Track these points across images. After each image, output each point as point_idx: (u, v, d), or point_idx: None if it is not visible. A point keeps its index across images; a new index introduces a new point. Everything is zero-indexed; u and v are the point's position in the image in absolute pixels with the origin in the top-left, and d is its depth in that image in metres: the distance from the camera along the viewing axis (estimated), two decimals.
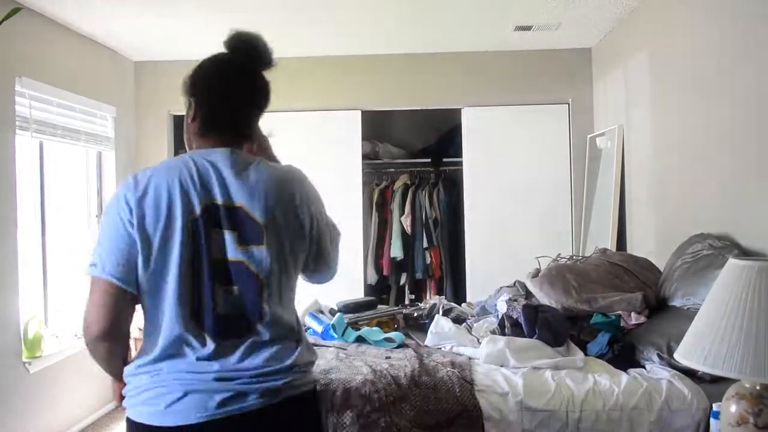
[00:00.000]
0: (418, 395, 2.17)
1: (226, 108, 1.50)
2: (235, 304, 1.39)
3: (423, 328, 2.95)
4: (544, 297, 2.83)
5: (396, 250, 5.07)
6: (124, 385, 1.43)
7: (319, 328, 2.93)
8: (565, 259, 3.31)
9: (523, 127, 4.84)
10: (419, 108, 5.03)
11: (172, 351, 1.36)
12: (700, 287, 2.48)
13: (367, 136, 5.05)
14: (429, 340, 2.73)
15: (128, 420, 1.40)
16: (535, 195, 4.80)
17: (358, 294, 4.67)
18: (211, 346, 1.36)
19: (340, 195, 4.88)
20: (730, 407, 1.57)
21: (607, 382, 2.20)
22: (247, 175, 1.43)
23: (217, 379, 1.35)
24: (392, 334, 2.79)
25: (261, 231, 1.40)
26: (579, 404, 2.13)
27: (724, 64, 2.79)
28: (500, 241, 4.76)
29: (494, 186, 4.82)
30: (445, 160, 5.19)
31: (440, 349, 2.65)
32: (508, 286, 3.37)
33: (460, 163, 4.92)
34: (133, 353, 1.46)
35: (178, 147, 5.11)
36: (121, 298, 1.35)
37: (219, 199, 1.39)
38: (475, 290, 4.53)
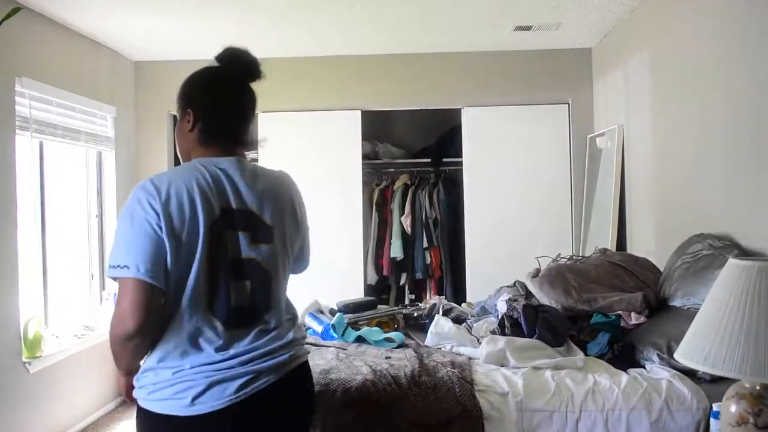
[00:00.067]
0: (418, 395, 2.17)
1: (228, 118, 1.63)
2: (247, 296, 1.55)
3: (423, 328, 2.95)
4: (544, 297, 2.83)
5: (396, 250, 5.07)
6: (131, 379, 1.55)
7: (319, 328, 2.92)
8: (565, 259, 3.31)
9: (523, 127, 4.84)
10: (419, 108, 5.03)
11: (191, 344, 1.49)
12: (700, 287, 2.48)
13: (367, 136, 5.05)
14: (429, 340, 2.73)
15: (147, 412, 1.50)
16: (535, 195, 4.80)
17: (358, 294, 4.68)
18: (224, 336, 1.50)
19: (340, 195, 4.89)
20: (730, 407, 1.57)
21: (607, 382, 2.20)
22: (255, 181, 1.60)
23: (233, 366, 1.48)
24: (392, 334, 2.79)
25: (270, 231, 1.58)
26: (579, 404, 2.13)
27: (723, 64, 2.79)
28: (500, 241, 4.76)
29: (494, 186, 4.83)
30: (445, 160, 5.19)
31: (440, 349, 2.65)
32: (508, 286, 3.37)
33: (460, 163, 4.92)
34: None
35: None
36: (155, 296, 1.45)
37: (233, 204, 1.54)
38: (475, 290, 4.53)
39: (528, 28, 4.26)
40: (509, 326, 2.68)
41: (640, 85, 3.82)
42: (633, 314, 2.66)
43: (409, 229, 5.07)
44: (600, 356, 2.49)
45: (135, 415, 1.58)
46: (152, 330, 1.48)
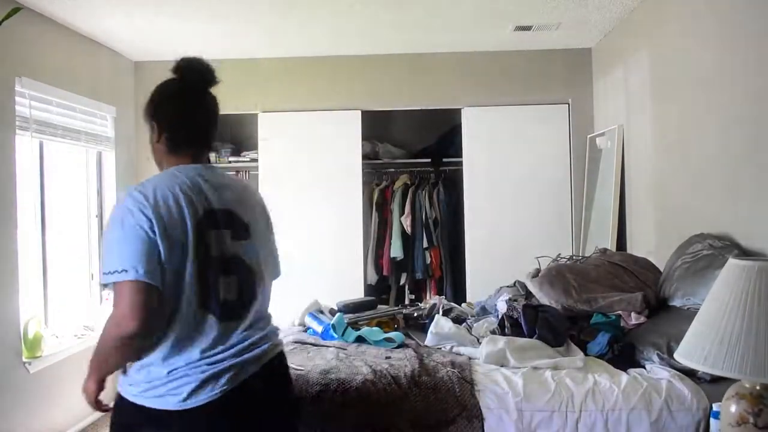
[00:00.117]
0: (418, 395, 2.17)
1: (190, 126, 1.72)
2: (235, 291, 1.63)
3: (423, 328, 2.95)
4: (544, 297, 2.83)
5: (396, 250, 5.07)
6: (102, 386, 1.62)
7: (319, 328, 2.92)
8: (565, 259, 3.31)
9: (523, 127, 4.84)
10: (419, 108, 5.02)
11: (186, 341, 1.55)
12: (700, 287, 2.48)
13: (367, 136, 5.04)
14: (429, 340, 2.73)
15: (139, 407, 1.55)
16: (535, 195, 4.80)
17: (358, 294, 4.67)
18: (218, 329, 1.58)
19: (340, 195, 4.89)
20: (730, 407, 1.57)
21: (607, 382, 2.20)
22: (227, 184, 1.72)
23: (226, 359, 1.57)
24: (392, 334, 2.79)
25: (247, 228, 1.69)
26: (579, 404, 2.13)
27: (723, 64, 2.79)
28: (500, 241, 4.76)
29: (494, 186, 4.82)
30: (445, 160, 5.19)
31: (440, 349, 2.65)
32: (508, 286, 3.37)
33: (460, 163, 4.91)
34: None
35: None
36: (154, 297, 1.50)
37: (214, 204, 1.63)
38: (475, 290, 4.53)
39: (528, 28, 4.26)
40: (509, 326, 2.68)
41: (640, 85, 3.82)
42: (633, 314, 2.67)
43: (409, 229, 5.07)
44: (600, 356, 2.49)
45: (114, 410, 1.64)
46: (153, 330, 1.53)
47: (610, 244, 4.00)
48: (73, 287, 4.25)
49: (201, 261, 1.56)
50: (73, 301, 4.21)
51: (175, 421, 1.53)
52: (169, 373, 1.54)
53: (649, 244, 3.69)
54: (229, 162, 5.30)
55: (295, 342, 2.77)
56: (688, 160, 3.19)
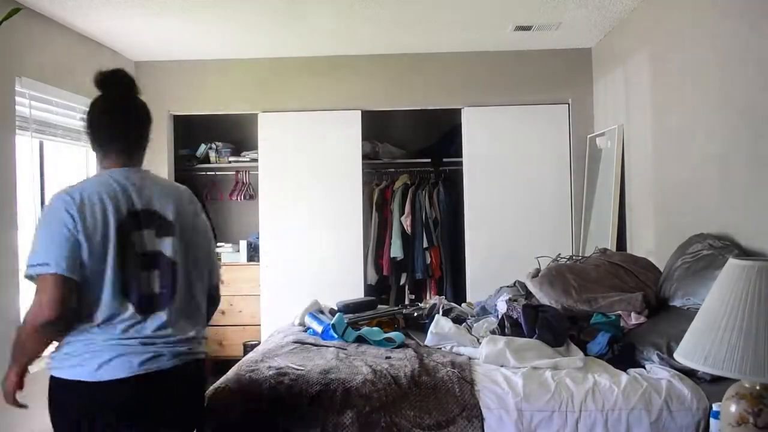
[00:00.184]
0: (418, 395, 2.17)
1: (117, 134, 1.88)
2: (155, 285, 1.79)
3: (423, 328, 2.95)
4: (544, 297, 2.83)
5: (396, 250, 5.07)
6: (23, 381, 1.77)
7: (319, 328, 2.92)
8: (565, 259, 3.31)
9: (523, 127, 4.84)
10: (419, 108, 5.03)
11: (106, 323, 1.71)
12: (700, 287, 2.48)
13: (367, 136, 5.05)
14: (429, 340, 2.73)
15: (57, 379, 1.73)
16: (535, 195, 4.80)
17: (358, 294, 4.68)
18: (135, 317, 1.74)
19: (340, 195, 4.89)
20: (730, 407, 1.57)
21: (607, 382, 2.20)
22: (156, 186, 1.88)
23: (139, 344, 1.73)
24: (392, 334, 2.79)
25: (172, 226, 1.84)
26: (579, 404, 2.13)
27: (723, 64, 2.79)
28: (500, 241, 4.76)
29: (494, 186, 4.82)
30: (445, 160, 5.19)
31: (440, 349, 2.65)
32: (508, 286, 3.37)
33: (460, 163, 4.91)
34: None
35: (178, 147, 5.12)
36: (71, 288, 1.67)
37: (138, 205, 1.80)
38: (475, 290, 4.53)
39: (528, 28, 4.26)
40: (509, 326, 2.68)
41: (640, 85, 3.82)
42: (633, 314, 2.67)
43: (409, 229, 5.07)
44: (600, 356, 2.49)
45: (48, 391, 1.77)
46: (68, 319, 1.69)
47: (610, 244, 4.00)
48: None
49: (122, 257, 1.72)
50: None
51: (87, 390, 1.68)
52: (86, 345, 1.70)
53: (649, 244, 3.70)
54: (229, 162, 5.31)
55: (295, 342, 2.77)
56: (688, 160, 3.19)
